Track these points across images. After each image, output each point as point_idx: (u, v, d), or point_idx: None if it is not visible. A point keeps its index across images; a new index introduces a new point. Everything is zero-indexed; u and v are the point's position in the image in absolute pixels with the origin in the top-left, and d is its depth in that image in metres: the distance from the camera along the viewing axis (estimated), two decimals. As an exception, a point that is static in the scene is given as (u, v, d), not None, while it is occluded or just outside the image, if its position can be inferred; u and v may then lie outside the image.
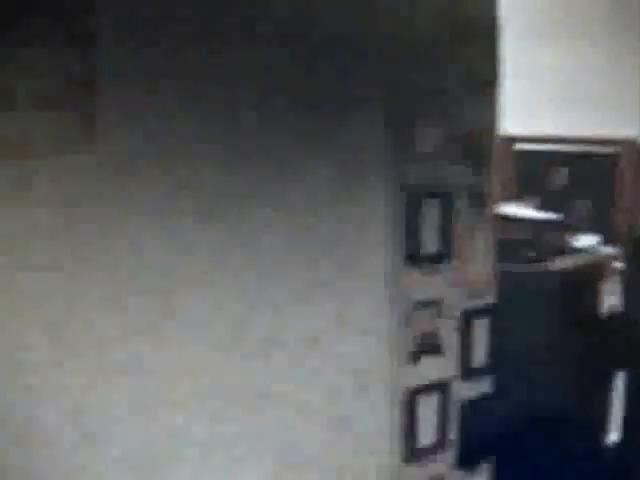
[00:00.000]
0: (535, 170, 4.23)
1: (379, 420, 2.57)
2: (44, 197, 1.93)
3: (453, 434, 2.73)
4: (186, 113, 2.12)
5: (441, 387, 2.67)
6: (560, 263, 3.51)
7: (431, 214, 2.54)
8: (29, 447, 1.95)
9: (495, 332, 2.77)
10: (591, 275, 3.64)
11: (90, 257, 2.01)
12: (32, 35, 1.84)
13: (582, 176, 4.27)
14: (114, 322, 2.05)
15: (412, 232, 2.51)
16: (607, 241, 4.05)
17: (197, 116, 2.14)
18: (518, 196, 4.07)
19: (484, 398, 2.79)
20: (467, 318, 2.70)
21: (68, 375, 1.99)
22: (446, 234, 2.59)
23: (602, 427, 3.56)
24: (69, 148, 1.94)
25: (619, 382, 3.61)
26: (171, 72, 2.07)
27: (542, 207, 3.97)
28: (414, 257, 2.53)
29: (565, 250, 3.64)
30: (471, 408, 2.75)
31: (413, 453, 2.65)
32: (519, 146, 4.11)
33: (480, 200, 2.66)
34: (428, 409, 2.66)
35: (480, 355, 2.76)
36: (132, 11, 1.99)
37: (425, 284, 2.57)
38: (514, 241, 3.36)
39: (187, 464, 2.20)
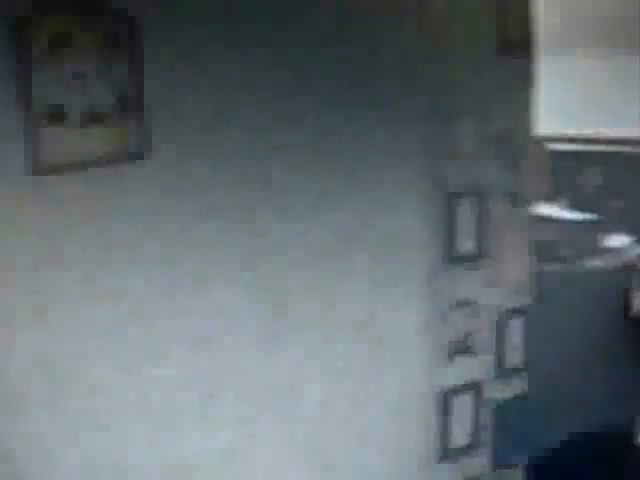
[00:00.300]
0: (568, 170, 4.22)
1: (413, 420, 2.57)
2: (98, 211, 1.93)
3: (487, 435, 2.73)
4: (240, 123, 2.11)
5: (475, 387, 2.67)
6: (593, 263, 3.50)
7: (467, 214, 2.54)
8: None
9: (530, 332, 2.77)
10: (624, 276, 3.61)
11: (141, 270, 2.01)
12: (81, 50, 1.84)
13: (615, 176, 4.25)
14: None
15: (448, 232, 2.51)
16: (640, 241, 4.03)
17: (249, 125, 2.13)
18: (551, 196, 4.05)
19: (519, 399, 2.78)
20: (503, 318, 2.70)
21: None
22: (482, 234, 2.59)
23: (636, 427, 3.55)
24: (123, 162, 1.94)
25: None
26: (224, 82, 2.07)
27: (575, 207, 3.96)
28: (450, 257, 2.53)
29: (598, 250, 3.62)
30: (506, 409, 2.75)
31: (447, 453, 2.65)
32: (552, 146, 4.10)
33: (516, 200, 2.66)
34: (462, 409, 2.66)
35: (515, 356, 2.75)
36: (180, 21, 1.98)
37: (461, 284, 2.58)
38: (547, 241, 3.35)
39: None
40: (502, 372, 2.72)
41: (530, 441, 2.84)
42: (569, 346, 3.20)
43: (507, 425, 2.75)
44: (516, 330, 2.74)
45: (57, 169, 1.85)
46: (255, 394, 2.24)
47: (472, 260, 2.58)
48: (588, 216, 3.84)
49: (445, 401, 2.61)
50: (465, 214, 2.54)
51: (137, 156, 1.95)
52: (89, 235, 1.92)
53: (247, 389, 2.22)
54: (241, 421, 2.23)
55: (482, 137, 2.55)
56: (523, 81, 2.66)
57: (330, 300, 2.33)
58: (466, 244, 2.56)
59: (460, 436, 2.67)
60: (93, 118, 1.87)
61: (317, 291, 2.31)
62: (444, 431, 2.63)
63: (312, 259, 2.28)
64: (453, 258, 2.54)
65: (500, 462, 2.77)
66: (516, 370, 2.76)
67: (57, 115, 1.83)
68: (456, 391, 2.63)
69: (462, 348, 2.62)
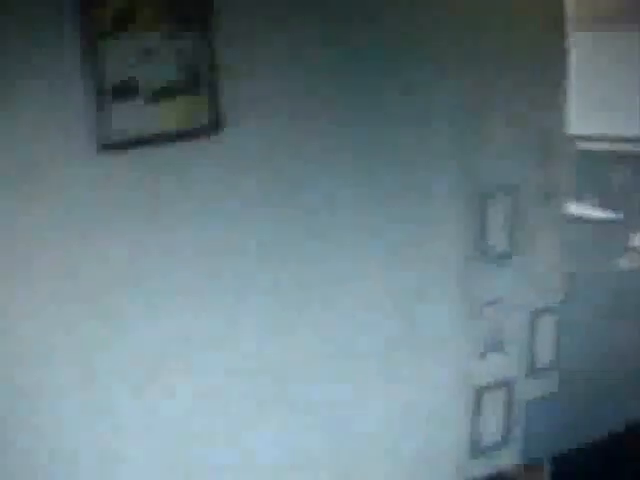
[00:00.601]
0: (596, 169, 4.21)
1: (445, 416, 2.59)
2: (169, 187, 1.91)
3: (518, 431, 2.74)
4: (314, 95, 2.09)
5: (507, 385, 2.68)
6: (622, 262, 3.49)
7: (499, 212, 2.55)
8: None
9: (561, 331, 2.77)
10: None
11: (209, 245, 2.00)
12: (147, 25, 1.81)
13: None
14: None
15: (480, 230, 2.52)
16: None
17: (322, 101, 2.12)
18: (579, 195, 4.05)
19: (550, 397, 2.79)
20: (534, 316, 2.70)
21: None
22: (514, 232, 2.59)
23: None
24: (196, 138, 1.90)
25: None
26: (298, 53, 2.04)
27: (603, 206, 3.95)
28: (482, 255, 2.54)
29: (627, 249, 3.61)
30: (536, 406, 2.75)
31: (478, 449, 2.66)
32: (580, 145, 4.09)
33: (548, 198, 2.66)
34: (494, 406, 2.66)
35: (547, 354, 2.76)
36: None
37: (493, 282, 2.58)
38: (577, 240, 3.35)
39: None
40: (534, 370, 2.73)
41: (559, 440, 2.85)
42: (602, 345, 3.19)
43: (538, 422, 2.75)
44: (548, 328, 2.75)
45: (126, 145, 1.82)
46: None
47: (504, 258, 2.59)
48: (617, 215, 3.82)
49: (477, 398, 2.62)
50: (497, 212, 2.55)
51: (210, 131, 1.90)
52: (159, 211, 1.90)
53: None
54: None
55: (515, 136, 2.56)
56: (556, 77, 2.66)
57: (361, 296, 2.35)
58: (498, 242, 2.57)
59: (492, 432, 2.68)
60: (164, 93, 1.83)
61: (349, 286, 2.33)
62: (476, 427, 2.64)
63: (346, 253, 2.31)
64: (485, 256, 2.55)
65: (529, 460, 2.77)
66: (548, 368, 2.76)
67: (126, 90, 1.79)
68: (488, 388, 2.64)
69: (494, 346, 2.63)
